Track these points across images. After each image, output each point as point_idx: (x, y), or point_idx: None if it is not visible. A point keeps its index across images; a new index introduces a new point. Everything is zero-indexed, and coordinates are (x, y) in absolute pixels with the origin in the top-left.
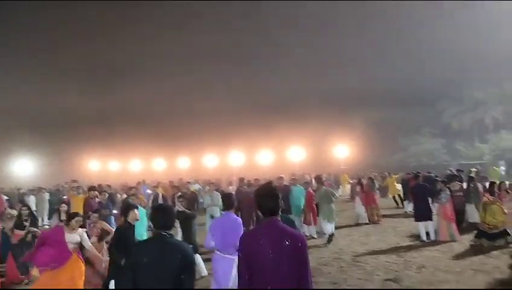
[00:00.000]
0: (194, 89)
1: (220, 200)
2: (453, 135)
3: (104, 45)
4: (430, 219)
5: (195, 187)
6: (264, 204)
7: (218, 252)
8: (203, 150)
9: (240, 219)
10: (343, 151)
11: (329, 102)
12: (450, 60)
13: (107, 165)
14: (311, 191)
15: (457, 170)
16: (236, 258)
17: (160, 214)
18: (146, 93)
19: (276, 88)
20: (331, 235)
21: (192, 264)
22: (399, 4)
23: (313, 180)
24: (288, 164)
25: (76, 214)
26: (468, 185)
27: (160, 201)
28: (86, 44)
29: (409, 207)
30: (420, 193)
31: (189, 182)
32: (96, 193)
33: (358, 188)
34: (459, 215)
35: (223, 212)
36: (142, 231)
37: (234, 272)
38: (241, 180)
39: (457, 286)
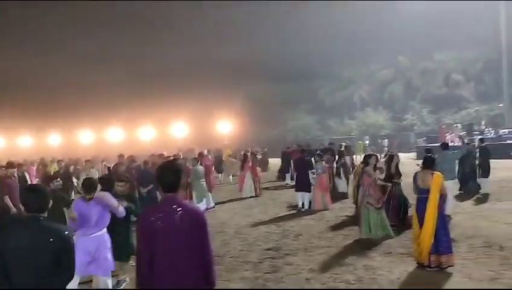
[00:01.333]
0: (70, 59)
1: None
2: (326, 111)
3: None
4: (309, 191)
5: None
6: (164, 180)
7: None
8: (78, 125)
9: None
10: (227, 126)
11: (212, 75)
12: (328, 39)
13: None
14: (188, 167)
15: (329, 144)
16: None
17: (32, 196)
18: (12, 62)
19: (157, 60)
20: None
21: (69, 247)
22: None
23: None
24: (172, 139)
25: None
26: (339, 159)
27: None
28: None
29: (289, 179)
30: (303, 166)
31: (61, 160)
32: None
33: (250, 163)
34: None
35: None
36: None
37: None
38: (121, 156)
39: (329, 251)
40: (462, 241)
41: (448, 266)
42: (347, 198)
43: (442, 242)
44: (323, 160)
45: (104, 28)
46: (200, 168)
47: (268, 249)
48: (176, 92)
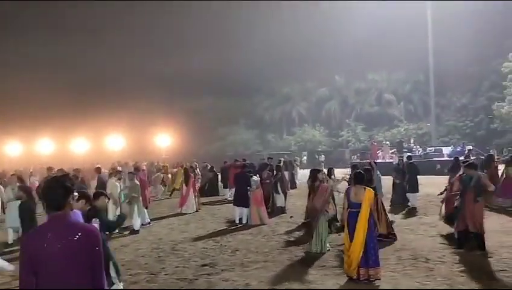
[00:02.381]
0: None
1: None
2: (265, 127)
3: None
4: (247, 206)
5: None
6: (50, 197)
7: None
8: (5, 137)
9: None
10: (165, 139)
11: (152, 88)
12: (268, 56)
13: None
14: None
15: (268, 158)
16: None
17: None
18: None
19: (94, 70)
20: (136, 231)
21: None
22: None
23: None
24: (108, 152)
25: None
26: (277, 173)
27: None
28: None
29: (228, 194)
30: (242, 180)
31: None
32: None
33: (193, 178)
34: (268, 201)
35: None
36: None
37: None
38: (50, 169)
39: (265, 265)
40: (391, 253)
41: (376, 279)
42: (285, 213)
43: (371, 255)
44: (252, 175)
45: (39, 32)
46: (136, 182)
47: (205, 265)
48: (114, 104)
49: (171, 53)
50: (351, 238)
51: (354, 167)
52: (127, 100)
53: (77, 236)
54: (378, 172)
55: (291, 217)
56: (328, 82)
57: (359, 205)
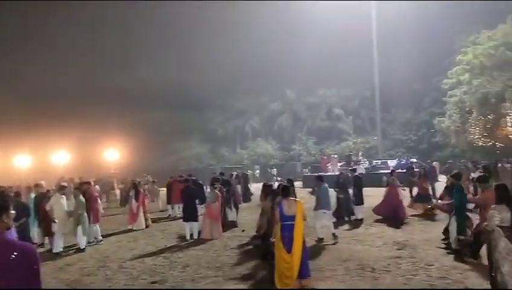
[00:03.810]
0: None
1: None
2: (218, 141)
3: None
4: (196, 220)
5: None
6: None
7: None
8: None
9: None
10: (114, 154)
11: (101, 102)
12: (220, 71)
13: None
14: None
15: (220, 173)
16: None
17: None
18: None
19: (38, 82)
20: (82, 249)
21: None
22: (180, 11)
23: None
24: (53, 167)
25: None
26: (229, 187)
27: None
28: None
29: (170, 210)
30: (188, 195)
31: None
32: None
33: (144, 192)
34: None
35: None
36: None
37: None
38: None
39: (216, 280)
40: (338, 264)
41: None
42: (236, 227)
43: (305, 265)
44: (215, 188)
45: None
46: (82, 199)
47: (154, 282)
48: (61, 117)
49: (123, 66)
50: (288, 250)
51: (266, 185)
52: (75, 114)
53: (13, 255)
54: (326, 185)
55: (243, 231)
56: (281, 97)
57: (292, 218)
